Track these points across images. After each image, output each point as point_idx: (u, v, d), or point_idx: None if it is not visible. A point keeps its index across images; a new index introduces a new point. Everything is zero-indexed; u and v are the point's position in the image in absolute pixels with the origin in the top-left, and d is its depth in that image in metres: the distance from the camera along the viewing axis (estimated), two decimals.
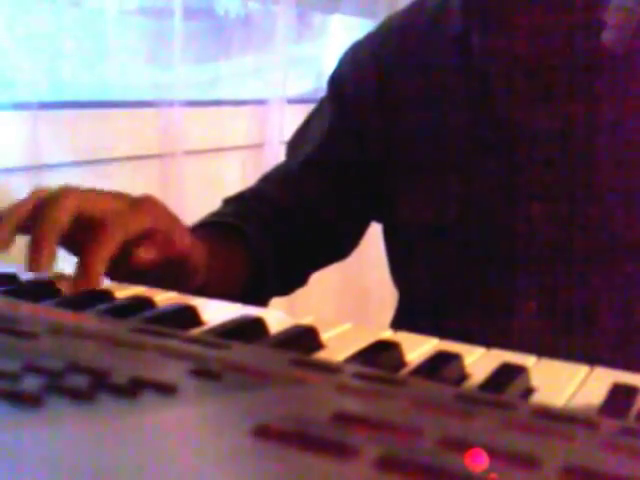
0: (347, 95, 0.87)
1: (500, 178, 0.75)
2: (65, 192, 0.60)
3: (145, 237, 0.62)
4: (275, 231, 0.85)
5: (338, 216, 0.88)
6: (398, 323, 0.87)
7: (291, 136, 0.94)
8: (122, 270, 0.62)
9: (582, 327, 0.73)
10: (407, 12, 0.87)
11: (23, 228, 0.60)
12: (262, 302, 0.86)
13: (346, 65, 0.89)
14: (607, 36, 0.71)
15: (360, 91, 0.85)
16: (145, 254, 0.62)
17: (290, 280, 0.90)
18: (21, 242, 0.60)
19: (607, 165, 0.72)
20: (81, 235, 0.62)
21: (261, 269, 0.83)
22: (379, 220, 0.89)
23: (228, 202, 0.89)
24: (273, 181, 0.90)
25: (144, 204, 0.62)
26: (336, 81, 0.90)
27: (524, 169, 0.74)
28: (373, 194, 0.85)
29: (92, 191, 0.62)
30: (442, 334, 0.48)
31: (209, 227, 0.82)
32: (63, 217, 0.59)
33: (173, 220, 0.66)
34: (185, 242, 0.66)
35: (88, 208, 0.60)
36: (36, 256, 0.58)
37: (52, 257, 0.58)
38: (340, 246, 0.92)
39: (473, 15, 0.78)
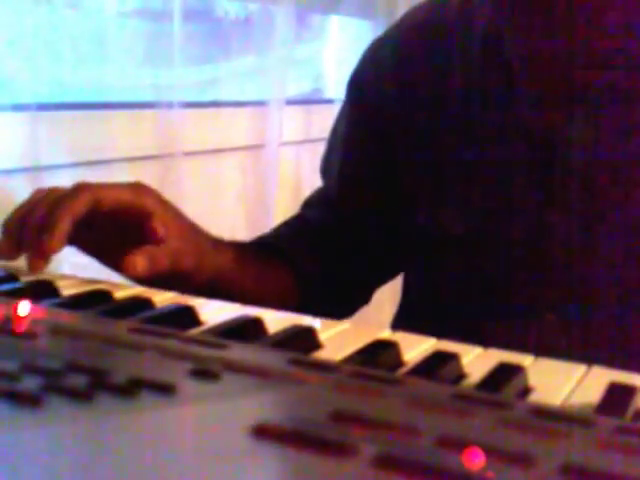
0: (368, 96, 0.85)
1: (524, 185, 0.72)
2: (81, 186, 0.62)
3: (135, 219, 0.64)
4: (321, 253, 0.84)
5: (381, 227, 0.85)
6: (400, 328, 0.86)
7: (323, 154, 0.91)
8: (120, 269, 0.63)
9: (600, 342, 0.70)
10: (430, 7, 0.84)
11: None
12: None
13: (366, 65, 0.86)
14: None
15: (381, 91, 0.83)
16: (138, 266, 0.62)
17: (346, 300, 0.89)
18: None
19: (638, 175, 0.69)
20: (96, 234, 0.64)
21: (307, 289, 0.83)
22: (397, 224, 0.85)
23: (270, 231, 0.88)
24: (314, 205, 0.89)
25: (144, 190, 0.65)
26: (356, 82, 0.87)
27: (549, 176, 0.71)
28: (396, 197, 0.83)
29: (108, 184, 0.64)
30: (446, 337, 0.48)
31: (244, 243, 0.83)
32: (79, 206, 0.60)
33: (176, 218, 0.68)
34: (188, 263, 0.67)
35: (104, 198, 0.62)
36: (45, 238, 0.58)
37: (61, 242, 0.59)
38: (391, 258, 0.88)
39: (507, 13, 0.74)
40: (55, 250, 0.59)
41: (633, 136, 0.70)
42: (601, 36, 0.70)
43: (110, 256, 0.67)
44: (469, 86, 0.76)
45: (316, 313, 0.84)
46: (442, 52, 0.79)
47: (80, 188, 0.62)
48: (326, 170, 0.90)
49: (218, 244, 0.75)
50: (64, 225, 0.59)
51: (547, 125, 0.72)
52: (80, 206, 0.60)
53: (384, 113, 0.82)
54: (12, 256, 0.61)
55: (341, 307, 0.88)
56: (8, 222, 0.62)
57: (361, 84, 0.86)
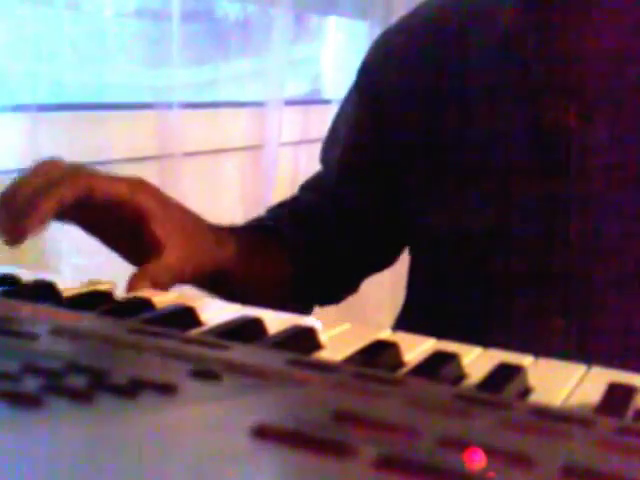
0: (374, 83, 0.84)
1: (539, 188, 0.71)
2: (77, 172, 0.61)
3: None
4: (311, 237, 0.85)
5: (376, 219, 0.86)
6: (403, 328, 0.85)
7: (323, 140, 0.91)
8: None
9: (607, 351, 0.69)
10: (443, 3, 0.82)
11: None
12: (306, 307, 0.87)
13: (375, 53, 0.85)
14: None
15: (387, 80, 0.82)
16: (139, 288, 0.61)
17: (333, 285, 0.89)
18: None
19: None
20: (92, 217, 0.64)
21: (297, 268, 0.83)
22: (393, 218, 0.85)
23: (268, 211, 0.89)
24: (311, 189, 0.89)
25: (142, 188, 0.65)
26: (364, 70, 0.86)
27: (567, 181, 0.70)
28: (394, 191, 0.82)
29: (106, 175, 0.63)
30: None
31: (244, 228, 0.82)
32: (69, 193, 0.59)
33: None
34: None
35: (98, 189, 0.61)
36: (23, 220, 0.57)
37: (39, 226, 0.58)
38: (383, 251, 0.89)
39: (533, 13, 0.73)
40: (28, 233, 0.57)
41: (632, 137, 0.69)
42: (611, 37, 0.70)
43: (109, 240, 0.68)
44: (485, 86, 0.75)
45: (305, 296, 0.84)
46: (458, 49, 0.78)
47: (75, 174, 0.61)
48: (326, 153, 0.90)
49: (219, 239, 0.74)
50: (47, 208, 0.58)
51: (553, 126, 0.71)
52: (70, 193, 0.59)
53: (387, 103, 0.82)
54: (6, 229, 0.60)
55: (328, 292, 0.89)
56: (3, 195, 0.61)
57: (368, 71, 0.86)
